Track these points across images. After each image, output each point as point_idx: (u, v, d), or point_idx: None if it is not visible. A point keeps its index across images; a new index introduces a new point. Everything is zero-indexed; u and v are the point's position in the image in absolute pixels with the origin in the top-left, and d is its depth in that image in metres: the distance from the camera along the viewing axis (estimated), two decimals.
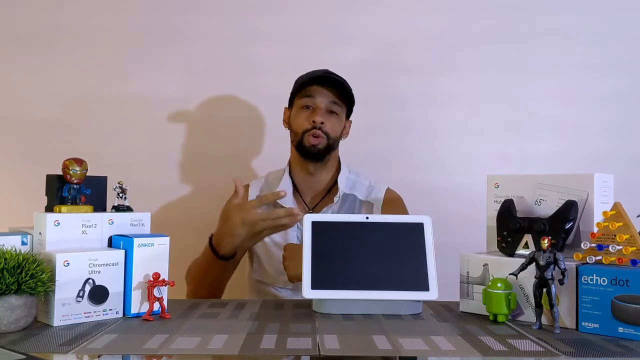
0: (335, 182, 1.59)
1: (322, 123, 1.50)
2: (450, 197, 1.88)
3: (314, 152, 1.51)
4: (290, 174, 1.60)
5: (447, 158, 1.92)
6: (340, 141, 1.60)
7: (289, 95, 1.60)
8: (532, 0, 1.93)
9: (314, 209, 1.56)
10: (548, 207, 1.08)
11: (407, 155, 1.91)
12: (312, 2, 1.91)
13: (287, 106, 1.62)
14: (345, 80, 1.54)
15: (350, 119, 1.63)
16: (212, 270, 1.41)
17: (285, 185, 1.55)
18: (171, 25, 1.90)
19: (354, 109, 1.61)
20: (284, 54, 1.89)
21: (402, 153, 1.91)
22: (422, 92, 1.92)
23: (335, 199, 1.54)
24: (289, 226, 1.29)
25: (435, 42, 1.92)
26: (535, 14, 1.92)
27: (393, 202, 1.60)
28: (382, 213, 1.56)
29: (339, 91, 1.52)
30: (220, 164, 1.89)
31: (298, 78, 1.59)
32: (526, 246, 1.07)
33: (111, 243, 1.07)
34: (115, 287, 1.02)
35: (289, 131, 1.60)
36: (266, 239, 1.52)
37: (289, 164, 1.61)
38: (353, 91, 1.55)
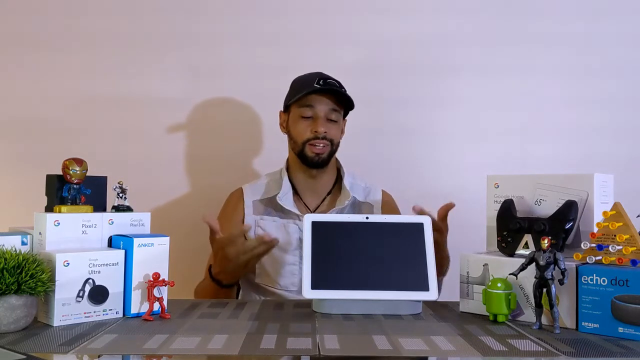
0: (335, 184, 1.60)
1: (325, 132, 1.49)
2: (450, 197, 1.87)
3: (318, 161, 1.51)
4: (289, 177, 1.58)
5: (447, 158, 1.91)
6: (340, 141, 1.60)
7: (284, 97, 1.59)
8: (534, 4, 1.93)
9: (315, 212, 1.56)
10: (548, 207, 1.08)
11: (408, 154, 1.91)
12: (312, 4, 1.91)
13: (283, 110, 1.60)
14: (342, 86, 1.53)
15: (346, 118, 1.62)
16: (220, 294, 1.39)
17: (286, 189, 1.54)
18: (172, 28, 1.89)
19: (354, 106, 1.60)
20: (283, 55, 1.89)
21: (402, 152, 1.91)
22: (423, 93, 1.92)
23: (347, 202, 1.53)
24: (267, 252, 1.29)
25: (435, 43, 1.92)
26: (536, 16, 1.92)
27: (390, 204, 1.63)
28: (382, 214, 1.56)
29: (338, 97, 1.52)
30: (220, 164, 1.89)
31: (294, 82, 1.58)
32: (526, 246, 1.06)
33: (111, 243, 1.07)
34: (115, 287, 1.02)
35: (286, 135, 1.59)
36: None
37: (287, 167, 1.60)
38: (351, 91, 1.54)
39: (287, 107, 1.58)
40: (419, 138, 1.91)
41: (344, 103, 1.55)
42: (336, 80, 1.54)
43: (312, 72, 1.56)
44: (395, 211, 1.62)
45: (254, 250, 1.27)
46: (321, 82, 1.50)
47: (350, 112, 1.61)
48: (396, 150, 1.91)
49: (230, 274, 1.34)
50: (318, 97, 1.51)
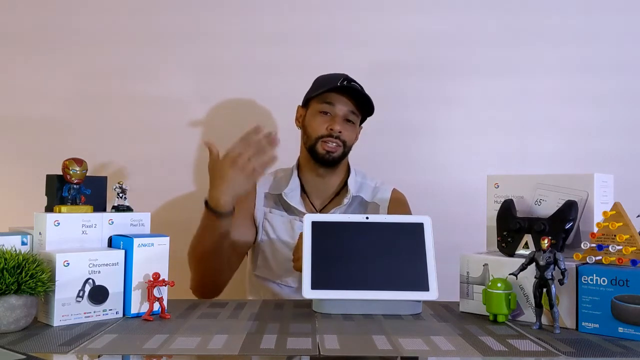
0: (344, 185, 1.59)
1: (340, 132, 1.49)
2: (450, 197, 1.88)
3: (328, 159, 1.51)
4: (298, 175, 1.58)
5: (447, 158, 1.91)
6: None
7: (295, 96, 1.59)
8: (532, 2, 1.93)
9: (321, 212, 1.56)
10: (548, 207, 1.08)
11: (408, 155, 1.91)
12: (322, 3, 1.91)
13: (302, 105, 1.60)
14: (363, 90, 1.53)
15: (362, 125, 1.62)
16: (216, 235, 1.35)
17: (294, 186, 1.55)
18: (178, 26, 1.89)
19: None
20: (293, 55, 1.88)
21: (403, 153, 1.91)
22: (424, 93, 1.92)
23: (345, 200, 1.53)
24: (272, 146, 1.31)
25: (437, 44, 1.92)
26: (535, 14, 1.92)
27: (399, 202, 1.61)
28: (388, 213, 1.56)
29: (358, 101, 1.52)
30: None
31: (318, 78, 1.57)
32: (526, 246, 1.07)
33: (111, 243, 1.07)
34: (115, 287, 1.02)
35: (300, 130, 1.59)
36: (272, 235, 1.53)
37: (298, 164, 1.60)
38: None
39: (306, 102, 1.57)
40: (419, 137, 1.91)
41: (363, 108, 1.54)
42: (359, 84, 1.54)
43: (338, 73, 1.56)
44: (404, 208, 1.60)
45: (257, 144, 1.30)
46: (345, 82, 1.50)
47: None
48: (396, 149, 1.91)
49: (230, 191, 1.32)
50: (339, 96, 1.51)
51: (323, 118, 1.51)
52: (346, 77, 1.53)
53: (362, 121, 1.61)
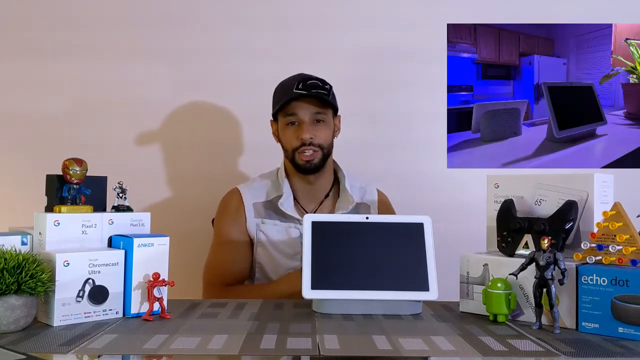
0: (332, 187, 1.58)
1: (311, 138, 1.46)
2: (450, 197, 1.88)
3: (310, 168, 1.49)
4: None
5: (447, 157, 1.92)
6: (338, 144, 1.59)
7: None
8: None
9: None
10: (548, 207, 1.08)
11: (408, 155, 1.91)
12: (304, 15, 1.91)
13: (272, 119, 1.57)
14: (325, 83, 1.49)
15: (339, 113, 1.57)
16: (279, 297, 1.39)
17: (287, 195, 1.52)
18: (176, 39, 1.89)
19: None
20: (277, 67, 1.87)
21: (402, 153, 1.91)
22: (423, 96, 1.92)
23: (350, 207, 1.52)
24: None
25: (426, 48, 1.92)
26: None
27: (386, 205, 1.62)
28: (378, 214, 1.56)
29: (321, 98, 1.47)
30: (220, 165, 1.90)
31: (276, 89, 1.54)
32: (526, 246, 1.06)
33: (111, 243, 1.07)
34: (115, 287, 1.02)
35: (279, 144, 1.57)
36: (268, 246, 1.51)
37: (285, 171, 1.56)
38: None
39: (275, 116, 1.55)
40: (418, 135, 1.92)
41: (329, 103, 1.49)
42: (319, 79, 1.49)
43: (294, 75, 1.51)
44: (391, 211, 1.61)
45: None
46: (301, 85, 1.46)
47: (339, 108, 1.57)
48: (395, 148, 1.91)
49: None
50: (300, 102, 1.47)
51: (292, 129, 1.49)
52: (302, 78, 1.48)
53: (335, 111, 1.55)
